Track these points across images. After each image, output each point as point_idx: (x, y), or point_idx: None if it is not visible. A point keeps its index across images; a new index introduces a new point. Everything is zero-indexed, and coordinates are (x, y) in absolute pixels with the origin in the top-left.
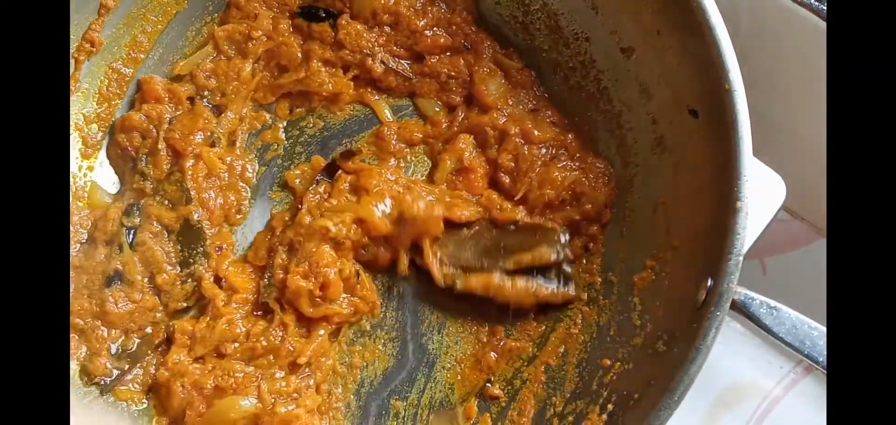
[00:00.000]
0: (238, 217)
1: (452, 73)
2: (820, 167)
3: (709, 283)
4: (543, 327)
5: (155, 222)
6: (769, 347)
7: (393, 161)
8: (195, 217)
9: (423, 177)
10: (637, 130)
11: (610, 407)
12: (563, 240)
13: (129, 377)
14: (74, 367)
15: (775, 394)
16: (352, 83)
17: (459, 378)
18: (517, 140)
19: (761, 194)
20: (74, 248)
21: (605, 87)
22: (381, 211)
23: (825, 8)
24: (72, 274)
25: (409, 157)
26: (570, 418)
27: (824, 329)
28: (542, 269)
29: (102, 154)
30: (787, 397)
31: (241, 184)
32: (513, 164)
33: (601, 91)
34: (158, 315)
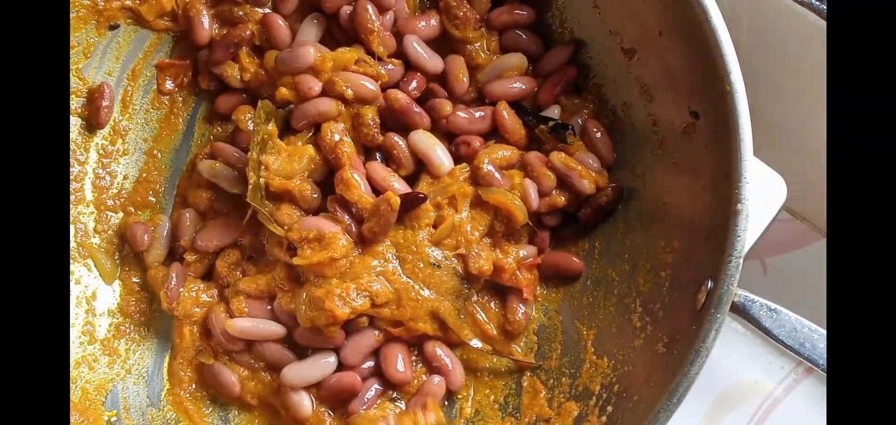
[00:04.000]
0: None
1: None
2: (821, 167)
3: (709, 285)
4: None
5: None
6: (770, 348)
7: None
8: None
9: None
10: (638, 132)
11: (609, 408)
12: None
13: None
14: None
15: (776, 395)
16: None
17: None
18: None
19: (762, 194)
20: None
21: (604, 87)
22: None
23: (826, 7)
24: None
25: None
26: (570, 419)
27: (824, 331)
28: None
29: None
30: (788, 398)
31: None
32: None
33: (600, 91)
34: None
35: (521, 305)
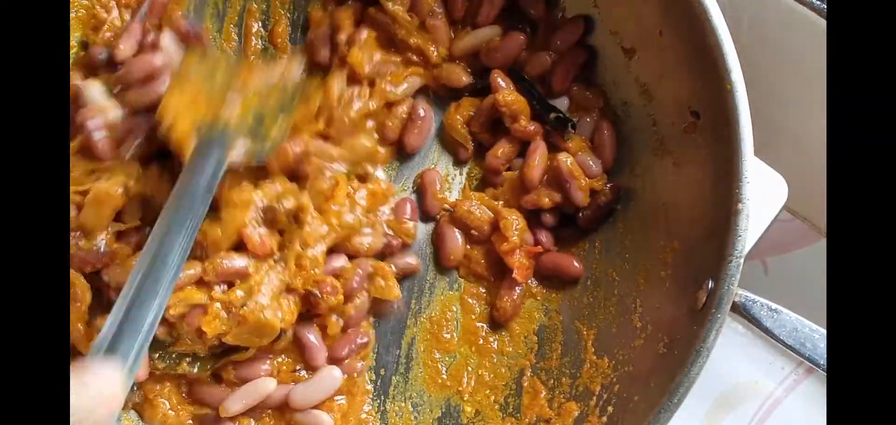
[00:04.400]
0: None
1: None
2: (821, 167)
3: (709, 285)
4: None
5: None
6: (770, 348)
7: None
8: None
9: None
10: (638, 132)
11: (610, 408)
12: None
13: None
14: None
15: (777, 395)
16: None
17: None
18: None
19: (763, 194)
20: None
21: (604, 87)
22: None
23: (826, 7)
24: None
25: None
26: (570, 420)
27: (825, 331)
28: None
29: None
30: (789, 398)
31: None
32: None
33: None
34: None
35: (509, 292)
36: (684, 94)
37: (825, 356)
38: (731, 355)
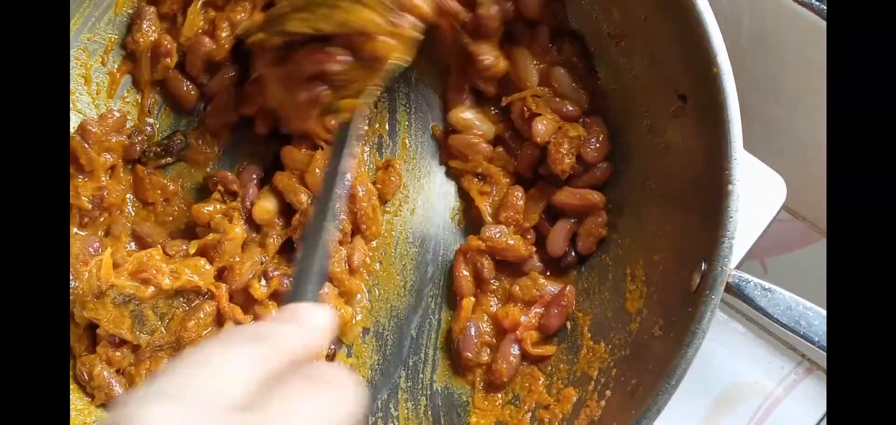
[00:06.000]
0: None
1: None
2: (821, 167)
3: (703, 267)
4: None
5: None
6: (770, 347)
7: None
8: None
9: None
10: (628, 117)
11: (608, 393)
12: None
13: None
14: None
15: (777, 395)
16: None
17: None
18: None
19: (762, 194)
20: None
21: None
22: None
23: (826, 7)
24: None
25: None
26: (569, 405)
27: (820, 310)
28: None
29: None
30: (789, 397)
31: None
32: None
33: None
34: None
35: (507, 352)
36: (672, 79)
37: (819, 334)
38: (730, 354)
